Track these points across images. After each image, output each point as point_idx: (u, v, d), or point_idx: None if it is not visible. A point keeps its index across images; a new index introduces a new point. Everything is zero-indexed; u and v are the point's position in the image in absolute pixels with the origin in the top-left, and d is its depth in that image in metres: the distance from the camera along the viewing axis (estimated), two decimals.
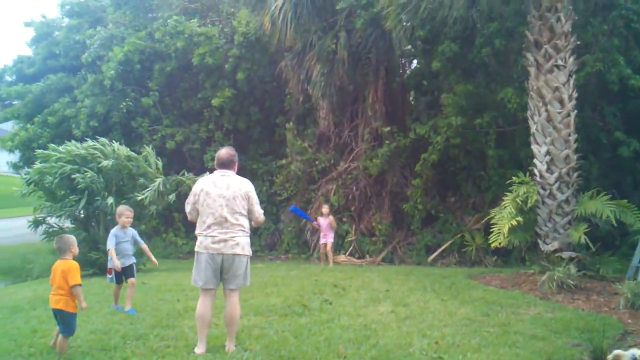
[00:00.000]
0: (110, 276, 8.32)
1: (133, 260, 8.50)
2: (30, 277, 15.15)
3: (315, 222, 13.37)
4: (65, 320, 6.14)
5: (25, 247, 17.52)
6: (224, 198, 6.07)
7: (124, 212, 8.47)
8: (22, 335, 7.09)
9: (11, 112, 19.03)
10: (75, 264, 6.20)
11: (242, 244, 6.11)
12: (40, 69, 19.17)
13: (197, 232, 6.23)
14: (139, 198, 11.91)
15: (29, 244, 16.50)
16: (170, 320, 7.60)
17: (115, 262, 8.08)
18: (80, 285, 6.13)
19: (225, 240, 6.02)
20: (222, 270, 6.11)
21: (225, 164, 6.31)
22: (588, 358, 5.87)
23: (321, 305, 8.30)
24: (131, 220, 8.52)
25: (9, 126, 22.78)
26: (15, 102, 19.31)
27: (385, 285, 9.86)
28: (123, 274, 8.31)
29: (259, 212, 6.35)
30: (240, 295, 8.68)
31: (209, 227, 6.06)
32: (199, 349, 6.10)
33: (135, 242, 8.57)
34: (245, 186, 6.24)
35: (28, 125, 17.85)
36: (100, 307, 8.61)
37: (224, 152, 6.38)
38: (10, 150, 18.96)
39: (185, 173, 13.46)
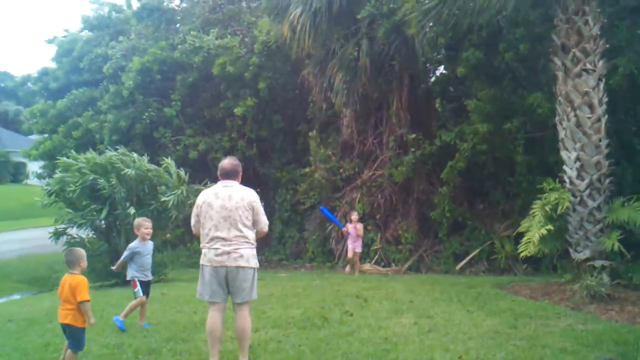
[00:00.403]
0: (136, 289, 7.94)
1: (151, 276, 8.28)
2: (56, 287, 15.16)
3: (344, 228, 13.09)
4: (74, 335, 6.01)
5: (51, 257, 17.50)
6: (226, 209, 5.93)
7: (143, 224, 8.16)
8: (34, 349, 7.01)
9: (35, 127, 19.11)
10: (84, 279, 6.07)
11: (246, 256, 5.93)
12: (64, 83, 19.28)
13: (200, 245, 6.09)
14: (162, 199, 11.85)
15: (55, 253, 16.46)
16: (186, 333, 7.44)
17: (117, 266, 8.25)
18: (88, 301, 5.99)
19: (228, 253, 5.87)
20: (228, 284, 5.93)
21: (228, 174, 6.16)
22: None
23: (341, 317, 8.05)
24: (151, 231, 8.19)
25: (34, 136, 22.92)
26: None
27: (409, 295, 9.57)
28: (145, 288, 8.02)
29: (264, 223, 6.19)
30: (260, 307, 8.66)
31: (211, 239, 5.94)
32: None
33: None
34: (249, 196, 6.06)
35: (53, 136, 17.90)
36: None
37: (227, 162, 6.27)
38: (35, 159, 19.08)
39: (208, 182, 13.29)
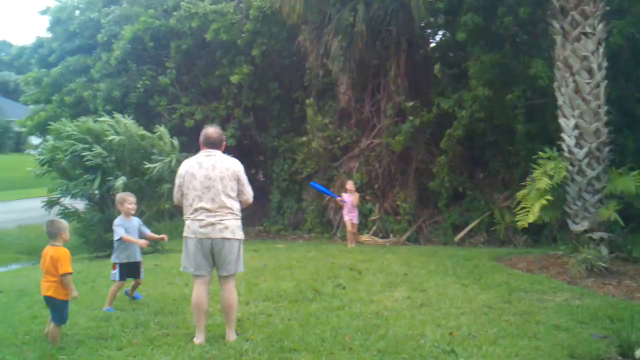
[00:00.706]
0: (114, 272, 7.41)
1: (140, 257, 7.62)
2: None
3: (338, 198, 12.86)
4: (56, 308, 5.91)
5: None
6: (210, 179, 5.75)
7: (126, 199, 7.57)
8: (21, 322, 6.92)
9: (30, 97, 18.84)
10: (66, 251, 5.92)
11: (231, 227, 5.77)
12: (59, 54, 18.90)
13: (184, 216, 5.91)
14: (146, 167, 11.51)
15: None
16: (175, 306, 7.34)
17: (137, 241, 7.36)
18: (70, 273, 5.86)
19: (212, 224, 5.71)
20: (213, 256, 5.78)
21: (214, 143, 5.96)
22: (615, 352, 5.35)
23: (334, 290, 7.91)
24: (135, 207, 7.62)
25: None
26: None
27: (404, 268, 9.42)
28: (127, 271, 7.44)
29: (249, 193, 6.01)
30: (252, 280, 8.55)
31: (195, 210, 5.76)
32: (198, 339, 5.82)
33: (141, 232, 7.60)
34: (233, 166, 5.90)
35: (47, 105, 17.65)
36: (106, 292, 8.31)
37: (212, 130, 6.04)
38: (30, 132, 18.85)
39: None
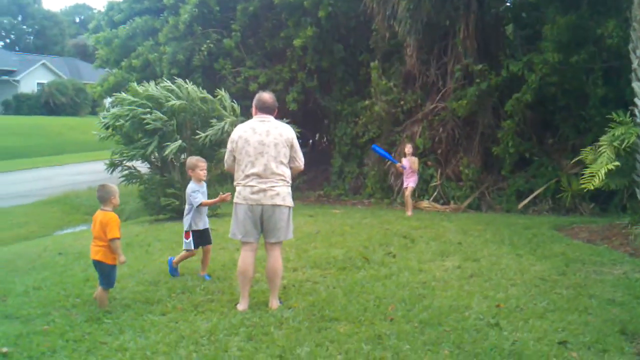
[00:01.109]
0: (187, 240, 7.12)
1: (208, 222, 7.41)
2: (121, 218, 15.46)
3: (398, 164, 12.58)
4: (104, 272, 6.02)
5: (121, 188, 17.96)
6: (264, 145, 5.69)
7: (198, 164, 7.17)
8: (74, 284, 7.11)
9: (100, 58, 19.19)
10: (114, 216, 6.01)
11: (282, 194, 5.73)
12: (127, 14, 19.13)
13: (235, 182, 5.86)
14: (197, 137, 11.55)
15: (122, 185, 16.91)
16: (224, 271, 7.41)
17: (218, 199, 7.02)
18: (118, 238, 5.95)
19: (264, 190, 5.67)
20: (262, 223, 5.74)
21: (269, 108, 5.92)
22: None
23: (383, 258, 7.79)
24: (206, 172, 7.30)
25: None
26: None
27: (460, 236, 9.18)
28: (200, 239, 7.19)
29: (301, 160, 5.97)
30: (303, 246, 8.51)
31: (247, 176, 5.71)
32: (241, 306, 5.85)
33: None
34: (287, 132, 5.84)
35: (116, 70, 17.94)
36: (159, 255, 8.50)
37: (268, 96, 5.98)
38: (101, 97, 19.24)
39: None
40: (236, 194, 5.81)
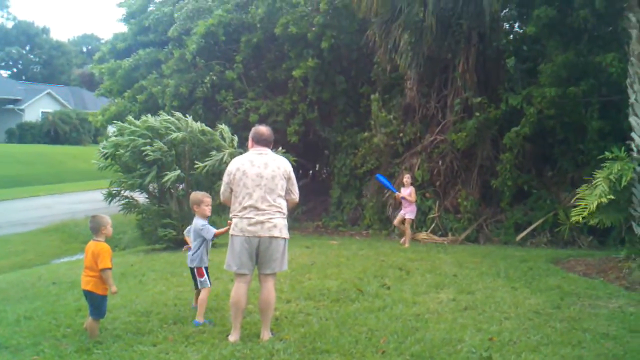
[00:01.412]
0: (203, 279, 6.78)
1: None
2: (119, 248, 15.47)
3: (398, 193, 12.57)
4: (94, 303, 5.99)
5: (118, 218, 17.95)
6: (262, 178, 5.75)
7: (204, 200, 6.84)
8: (66, 314, 7.07)
9: (104, 88, 19.30)
10: (106, 247, 6.02)
11: (279, 226, 5.77)
12: (131, 44, 19.32)
13: (231, 214, 5.87)
14: (196, 166, 11.57)
15: (121, 215, 16.93)
16: (217, 302, 7.36)
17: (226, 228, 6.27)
18: (109, 269, 5.95)
19: (261, 222, 5.69)
20: (258, 255, 5.75)
21: (266, 141, 5.99)
22: None
23: (378, 290, 7.76)
24: (211, 207, 7.01)
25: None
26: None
27: (455, 268, 9.15)
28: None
29: (296, 192, 6.04)
30: (298, 277, 8.47)
31: (244, 208, 5.73)
32: (233, 337, 5.82)
33: None
34: (284, 165, 5.94)
35: (118, 100, 18.03)
36: (152, 286, 8.47)
37: (265, 128, 6.06)
38: (102, 125, 19.32)
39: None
40: (233, 225, 5.81)
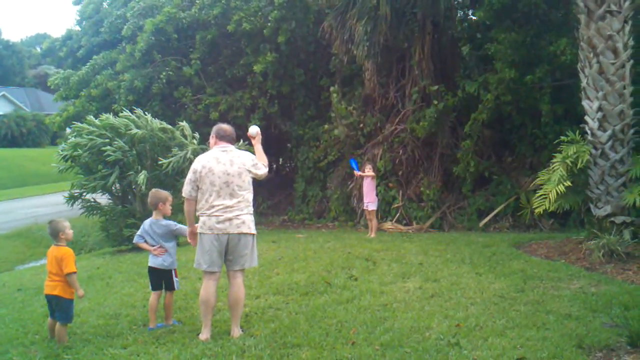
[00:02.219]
0: (177, 279, 6.67)
1: None
2: (84, 250, 15.33)
3: (357, 172, 12.68)
4: (62, 307, 5.97)
5: (82, 221, 17.73)
6: (229, 175, 5.80)
7: (169, 198, 6.69)
8: (33, 320, 7.04)
9: (59, 95, 18.93)
10: (69, 251, 6.00)
11: (247, 222, 5.85)
12: (87, 48, 19.07)
13: (198, 212, 5.88)
14: (161, 163, 11.52)
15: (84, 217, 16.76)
16: (185, 301, 7.39)
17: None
18: (75, 272, 5.92)
19: (230, 220, 5.75)
20: (227, 251, 5.80)
21: (229, 137, 6.07)
22: (624, 342, 5.16)
23: (345, 282, 7.84)
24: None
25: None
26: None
27: (421, 257, 9.28)
28: None
29: (262, 169, 6.07)
30: (265, 272, 8.51)
31: (212, 206, 5.77)
32: (203, 335, 5.84)
33: None
34: (248, 159, 6.00)
35: (75, 101, 17.79)
36: (120, 288, 8.44)
37: (228, 127, 6.12)
38: (60, 128, 19.02)
39: None
40: (200, 224, 5.84)
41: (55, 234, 6.04)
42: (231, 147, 5.98)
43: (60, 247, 6.00)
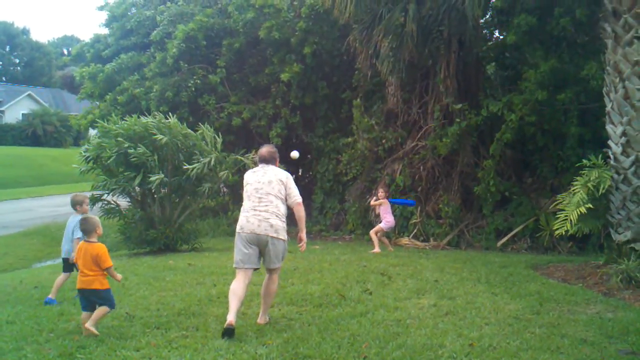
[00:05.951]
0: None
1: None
2: None
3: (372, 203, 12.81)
4: (103, 297, 6.28)
5: (102, 221, 17.84)
6: (260, 183, 6.56)
7: (86, 200, 8.38)
8: (48, 318, 7.03)
9: (85, 91, 19.18)
10: (103, 247, 6.30)
11: (275, 226, 6.40)
12: (114, 50, 19.23)
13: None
14: (185, 168, 11.78)
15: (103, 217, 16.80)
16: (200, 307, 7.35)
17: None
18: (112, 266, 6.31)
19: (259, 221, 6.37)
20: (260, 251, 6.47)
21: (266, 160, 6.77)
22: None
23: (360, 295, 7.80)
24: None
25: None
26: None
27: (437, 274, 9.22)
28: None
29: (296, 195, 6.68)
30: (280, 282, 8.43)
31: (246, 210, 6.49)
32: (230, 317, 6.05)
33: None
34: (282, 174, 6.68)
35: (100, 103, 17.95)
36: (135, 290, 8.47)
37: (265, 150, 6.85)
38: (84, 129, 19.22)
39: (248, 151, 13.35)
40: (238, 224, 6.50)
41: (92, 229, 6.31)
42: (269, 167, 6.71)
43: (93, 243, 6.26)
